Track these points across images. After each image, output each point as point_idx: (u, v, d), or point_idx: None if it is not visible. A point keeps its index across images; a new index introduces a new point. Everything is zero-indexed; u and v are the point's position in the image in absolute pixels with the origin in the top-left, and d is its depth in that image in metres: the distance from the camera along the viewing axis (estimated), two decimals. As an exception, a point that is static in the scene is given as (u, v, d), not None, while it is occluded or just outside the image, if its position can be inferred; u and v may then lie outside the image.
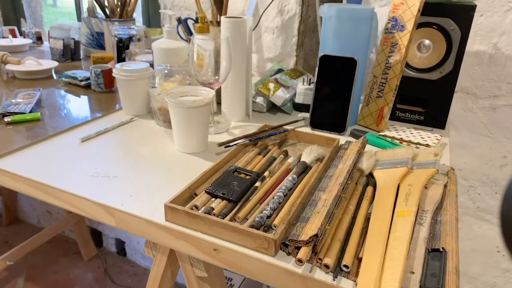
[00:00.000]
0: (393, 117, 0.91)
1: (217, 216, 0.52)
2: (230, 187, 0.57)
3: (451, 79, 0.83)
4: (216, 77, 0.78)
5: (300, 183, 0.60)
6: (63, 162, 0.67)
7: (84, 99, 0.98)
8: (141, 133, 0.80)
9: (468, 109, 1.06)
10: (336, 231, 0.50)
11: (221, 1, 0.96)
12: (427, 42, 0.84)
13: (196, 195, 0.57)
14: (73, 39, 1.30)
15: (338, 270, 0.45)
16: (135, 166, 0.67)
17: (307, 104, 0.94)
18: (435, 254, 0.47)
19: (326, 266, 0.45)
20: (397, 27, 0.80)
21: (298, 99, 0.94)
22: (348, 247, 0.47)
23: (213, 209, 0.53)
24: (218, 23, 0.96)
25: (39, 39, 1.52)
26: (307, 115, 0.93)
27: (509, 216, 0.22)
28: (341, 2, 0.98)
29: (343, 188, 0.54)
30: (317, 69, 0.81)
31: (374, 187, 0.61)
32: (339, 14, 0.77)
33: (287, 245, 0.47)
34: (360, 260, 0.46)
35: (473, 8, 0.77)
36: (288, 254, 0.47)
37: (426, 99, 0.88)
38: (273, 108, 0.96)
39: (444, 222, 0.54)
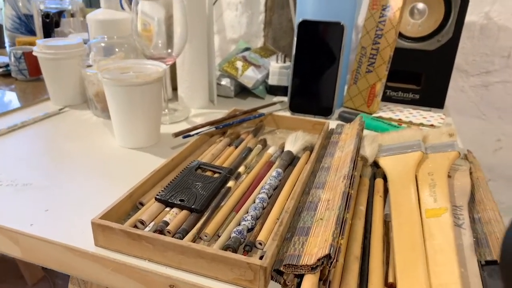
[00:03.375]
0: (383, 97, 0.77)
1: (173, 235, 0.35)
2: (192, 190, 0.40)
3: (451, 48, 0.71)
4: (169, 50, 0.61)
5: (288, 178, 0.44)
6: (-48, 169, 0.47)
7: (2, 90, 0.77)
8: (72, 126, 0.61)
9: (458, 89, 0.95)
10: (349, 244, 0.34)
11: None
12: (421, 5, 0.71)
13: (142, 205, 0.39)
14: (-6, 22, 1.07)
15: (363, 307, 0.29)
16: (56, 169, 0.48)
17: (283, 86, 0.78)
18: (493, 269, 0.33)
19: (346, 303, 0.29)
20: (388, -14, 0.66)
21: (272, 80, 0.78)
22: (371, 267, 0.32)
23: (167, 224, 0.36)
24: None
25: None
26: (283, 99, 0.78)
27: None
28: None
29: (351, 182, 0.39)
30: (295, 38, 0.66)
31: (383, 179, 0.47)
32: (320, -32, 0.62)
33: (282, 273, 0.31)
34: (391, 286, 0.31)
35: (476, -40, 0.65)
36: (284, 286, 0.31)
37: (421, 74, 0.75)
38: (242, 92, 0.80)
39: (486, 220, 0.40)
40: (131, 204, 0.39)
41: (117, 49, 0.63)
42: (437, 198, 0.40)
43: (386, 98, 0.78)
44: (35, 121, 0.61)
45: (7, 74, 0.84)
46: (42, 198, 0.42)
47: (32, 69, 0.80)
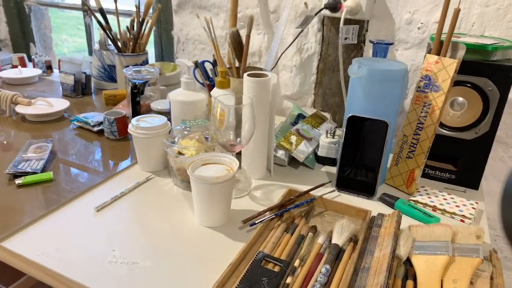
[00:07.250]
0: (422, 173, 0.86)
1: (248, 328, 0.48)
2: (260, 285, 0.53)
3: (487, 140, 0.78)
4: (238, 139, 0.74)
5: (335, 277, 0.55)
6: (77, 241, 0.63)
7: (97, 146, 0.95)
8: (158, 197, 0.76)
9: (498, 158, 1.01)
10: None
11: (240, 47, 0.91)
12: (461, 99, 0.79)
13: (223, 294, 0.52)
14: (84, 73, 1.26)
15: None
16: (153, 248, 0.62)
17: (331, 158, 0.89)
18: None
19: None
20: (430, 86, 0.75)
21: (322, 152, 0.89)
22: None
23: (243, 317, 0.49)
24: (237, 70, 0.91)
25: (49, 67, 1.48)
26: (330, 168, 0.89)
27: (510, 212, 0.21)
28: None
29: (385, 293, 0.50)
30: (344, 129, 0.77)
31: (413, 278, 0.57)
32: (371, 75, 0.73)
33: None
34: None
35: (514, 69, 0.72)
36: None
37: (458, 158, 0.83)
38: (294, 160, 0.92)
39: (496, 333, 0.49)
40: (215, 294, 0.52)
41: (194, 134, 0.77)
42: (455, 311, 0.50)
43: (424, 175, 0.86)
44: (129, 191, 0.77)
45: (99, 131, 1.01)
46: (147, 278, 0.56)
47: (120, 130, 0.96)
